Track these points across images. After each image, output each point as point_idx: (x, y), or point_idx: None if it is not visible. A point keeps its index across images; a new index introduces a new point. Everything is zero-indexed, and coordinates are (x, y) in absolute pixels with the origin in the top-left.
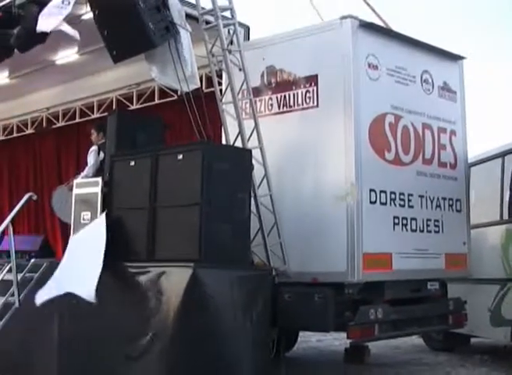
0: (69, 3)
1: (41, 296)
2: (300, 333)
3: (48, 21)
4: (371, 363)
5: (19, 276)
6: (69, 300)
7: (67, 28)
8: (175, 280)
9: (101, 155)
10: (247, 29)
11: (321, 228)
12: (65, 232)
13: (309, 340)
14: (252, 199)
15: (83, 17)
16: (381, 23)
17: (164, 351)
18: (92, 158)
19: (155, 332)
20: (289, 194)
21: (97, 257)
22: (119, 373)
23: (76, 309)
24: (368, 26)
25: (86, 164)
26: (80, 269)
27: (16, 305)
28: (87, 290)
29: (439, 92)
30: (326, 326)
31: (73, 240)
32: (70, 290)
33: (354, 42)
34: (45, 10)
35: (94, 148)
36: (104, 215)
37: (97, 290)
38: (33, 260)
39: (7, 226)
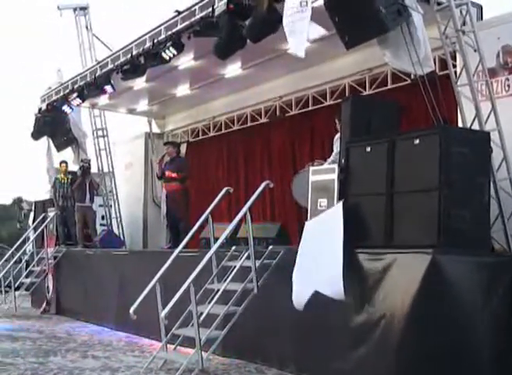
0: (307, 3)
1: (298, 299)
2: None
3: (295, 35)
4: None
5: (257, 262)
6: None
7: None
8: (413, 266)
9: None
10: (480, 8)
11: None
12: (300, 219)
13: None
14: (491, 183)
15: (313, 5)
16: None
17: (397, 340)
18: (338, 145)
19: (388, 320)
20: None
21: (336, 248)
22: (342, 361)
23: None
24: None
25: (331, 151)
26: (319, 262)
27: (255, 291)
28: (335, 288)
29: None
30: None
31: (308, 228)
32: (318, 289)
33: None
34: (287, 19)
35: (338, 135)
36: (340, 204)
37: None
38: (270, 247)
39: (245, 214)
